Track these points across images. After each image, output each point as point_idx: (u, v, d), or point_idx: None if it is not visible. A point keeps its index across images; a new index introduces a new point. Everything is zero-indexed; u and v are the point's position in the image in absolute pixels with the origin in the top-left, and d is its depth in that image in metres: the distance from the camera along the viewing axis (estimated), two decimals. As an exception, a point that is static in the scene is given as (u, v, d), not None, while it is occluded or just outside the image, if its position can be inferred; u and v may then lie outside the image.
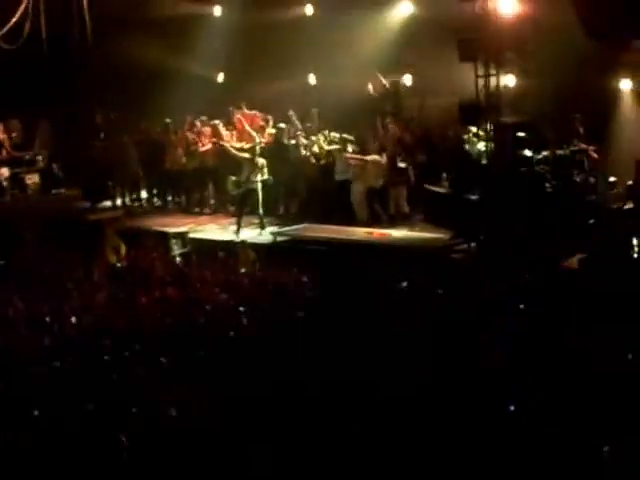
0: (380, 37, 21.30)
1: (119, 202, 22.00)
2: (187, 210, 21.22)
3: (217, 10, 23.90)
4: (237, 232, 18.47)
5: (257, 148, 18.92)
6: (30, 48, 19.68)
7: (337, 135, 20.12)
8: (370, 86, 20.98)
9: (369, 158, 18.97)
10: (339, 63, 21.44)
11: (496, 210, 16.44)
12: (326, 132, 20.48)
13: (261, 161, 18.81)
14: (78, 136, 22.85)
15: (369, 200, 19.06)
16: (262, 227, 18.63)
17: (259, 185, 18.70)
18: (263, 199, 18.84)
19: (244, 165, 18.94)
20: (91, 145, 22.31)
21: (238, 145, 19.65)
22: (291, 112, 21.13)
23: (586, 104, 18.33)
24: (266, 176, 18.82)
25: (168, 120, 21.78)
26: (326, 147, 20.00)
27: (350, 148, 19.45)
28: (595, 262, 15.10)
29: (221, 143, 20.19)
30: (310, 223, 18.87)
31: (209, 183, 21.37)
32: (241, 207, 18.92)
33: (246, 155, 18.91)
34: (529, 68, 17.73)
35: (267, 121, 21.12)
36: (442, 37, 18.47)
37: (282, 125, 20.45)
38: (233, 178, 19.16)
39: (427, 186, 18.09)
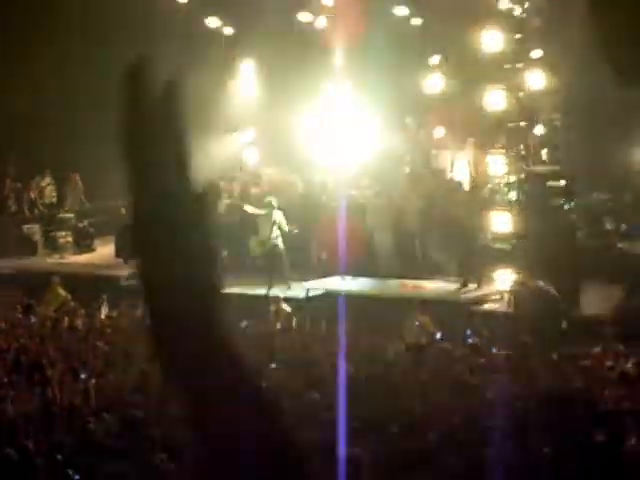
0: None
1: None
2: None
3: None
4: (269, 288, 18.38)
5: (272, 204, 18.85)
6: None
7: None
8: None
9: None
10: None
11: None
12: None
13: (278, 216, 18.79)
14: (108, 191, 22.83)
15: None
16: (288, 283, 18.50)
17: (280, 240, 18.74)
18: (291, 252, 18.88)
19: (259, 223, 19.02)
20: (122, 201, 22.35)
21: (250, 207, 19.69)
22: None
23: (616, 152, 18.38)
24: (286, 228, 18.87)
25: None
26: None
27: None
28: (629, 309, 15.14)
29: (238, 203, 20.37)
30: (341, 274, 18.94)
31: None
32: (271, 264, 18.84)
33: (261, 212, 18.98)
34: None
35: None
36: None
37: (316, 178, 20.65)
38: (255, 238, 19.22)
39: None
